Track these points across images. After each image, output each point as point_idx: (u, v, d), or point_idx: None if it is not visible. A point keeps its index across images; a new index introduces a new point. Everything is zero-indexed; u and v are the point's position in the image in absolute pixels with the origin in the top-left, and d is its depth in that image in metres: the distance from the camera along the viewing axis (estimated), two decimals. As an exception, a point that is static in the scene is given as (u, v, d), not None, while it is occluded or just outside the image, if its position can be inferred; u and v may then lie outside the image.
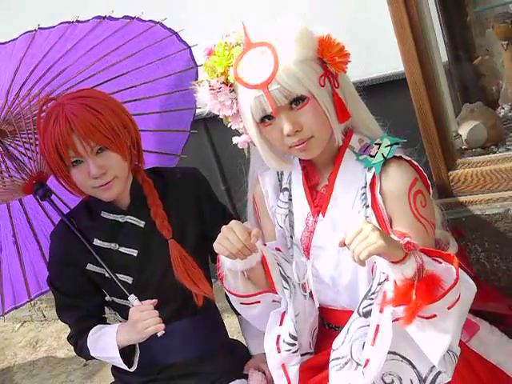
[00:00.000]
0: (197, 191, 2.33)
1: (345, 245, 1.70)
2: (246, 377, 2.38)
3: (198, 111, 2.63)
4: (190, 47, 2.55)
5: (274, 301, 2.04)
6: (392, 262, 1.71)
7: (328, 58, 1.84)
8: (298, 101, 1.82)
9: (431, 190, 1.96)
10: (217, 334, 2.45)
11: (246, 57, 1.85)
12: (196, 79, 2.43)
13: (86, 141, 2.07)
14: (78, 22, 2.54)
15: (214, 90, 1.88)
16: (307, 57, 1.81)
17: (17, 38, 2.50)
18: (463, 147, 2.39)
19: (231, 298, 2.06)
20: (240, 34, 1.88)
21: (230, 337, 2.56)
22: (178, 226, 2.26)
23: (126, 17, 2.54)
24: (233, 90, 1.88)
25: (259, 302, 2.03)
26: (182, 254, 2.23)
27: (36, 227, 2.56)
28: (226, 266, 1.97)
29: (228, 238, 1.85)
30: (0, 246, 2.55)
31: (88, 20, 2.53)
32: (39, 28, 2.52)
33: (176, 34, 2.58)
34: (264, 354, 2.25)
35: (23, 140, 2.38)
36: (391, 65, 2.73)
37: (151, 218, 2.24)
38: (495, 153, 2.34)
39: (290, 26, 1.82)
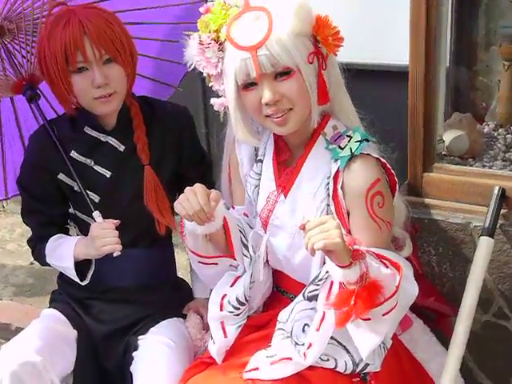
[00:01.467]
0: (182, 129, 2.32)
1: (304, 229, 1.68)
2: (183, 316, 2.41)
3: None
4: None
5: (231, 265, 2.05)
6: (337, 265, 1.71)
7: (322, 37, 1.81)
8: (283, 74, 1.79)
9: (397, 188, 1.96)
10: (166, 269, 2.48)
11: (242, 18, 1.81)
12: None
13: (98, 47, 2.06)
14: None
15: (203, 45, 1.86)
16: (301, 31, 1.78)
17: None
18: (443, 153, 2.42)
19: (190, 255, 2.07)
20: None
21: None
22: (157, 157, 2.27)
23: None
24: (221, 50, 1.85)
25: (217, 264, 2.04)
26: (156, 182, 2.23)
27: (23, 129, 2.53)
28: (187, 228, 1.97)
29: (188, 199, 1.84)
30: (-16, 141, 2.52)
31: None
32: None
33: (191, -38, 2.45)
34: (206, 299, 2.25)
35: (20, 40, 2.34)
36: (389, 56, 2.60)
37: (132, 144, 2.24)
38: (472, 166, 2.37)
39: None
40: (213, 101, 1.97)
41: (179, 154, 2.32)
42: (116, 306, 2.37)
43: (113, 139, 2.27)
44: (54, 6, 2.20)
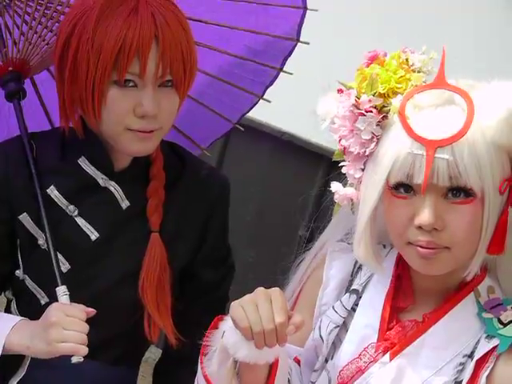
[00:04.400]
0: (214, 207, 1.92)
1: None
2: None
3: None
4: (306, 8, 2.01)
5: None
6: None
7: None
8: (459, 192, 1.46)
9: None
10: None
11: (428, 95, 1.48)
12: (287, 57, 2.02)
13: (165, 62, 1.66)
14: None
15: (357, 108, 1.50)
16: (506, 145, 1.47)
17: None
18: None
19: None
20: (429, 60, 1.53)
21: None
22: (171, 231, 1.85)
23: None
24: (380, 125, 1.51)
25: None
26: (163, 259, 1.82)
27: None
28: (225, 343, 1.53)
29: (259, 307, 1.45)
30: None
31: None
32: None
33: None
34: None
35: (28, 4, 1.87)
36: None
37: (141, 201, 1.82)
38: None
39: (508, 93, 1.48)
40: (336, 187, 1.57)
41: (199, 242, 1.90)
42: None
43: (116, 187, 1.81)
44: None
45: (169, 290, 1.83)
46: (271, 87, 2.05)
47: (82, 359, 1.65)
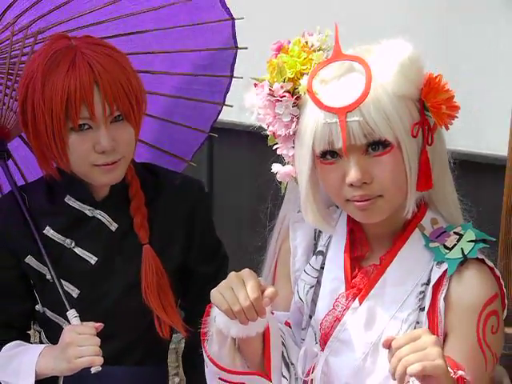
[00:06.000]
0: (194, 209, 2.07)
1: (389, 347, 1.48)
2: None
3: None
4: (233, 19, 2.19)
5: None
6: None
7: (432, 104, 1.60)
8: (377, 145, 1.59)
9: (505, 312, 1.72)
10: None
11: (330, 68, 1.62)
12: (232, 64, 2.21)
13: (110, 102, 1.83)
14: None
15: (273, 96, 1.63)
16: (407, 93, 1.60)
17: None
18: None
19: (209, 368, 1.76)
20: (326, 38, 1.65)
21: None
22: (159, 241, 2.02)
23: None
24: (296, 105, 1.64)
25: (243, 383, 1.76)
26: (158, 266, 1.98)
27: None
28: (217, 326, 1.68)
29: (234, 289, 1.60)
30: None
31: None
32: None
33: (221, -3, 2.30)
34: None
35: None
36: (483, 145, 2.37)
37: (127, 221, 1.99)
38: None
39: (396, 49, 1.61)
40: (276, 168, 1.71)
41: (188, 241, 2.06)
42: None
43: (102, 214, 1.99)
44: (55, 39, 1.90)
45: (170, 291, 1.97)
46: (231, 92, 2.21)
47: (100, 368, 1.81)
